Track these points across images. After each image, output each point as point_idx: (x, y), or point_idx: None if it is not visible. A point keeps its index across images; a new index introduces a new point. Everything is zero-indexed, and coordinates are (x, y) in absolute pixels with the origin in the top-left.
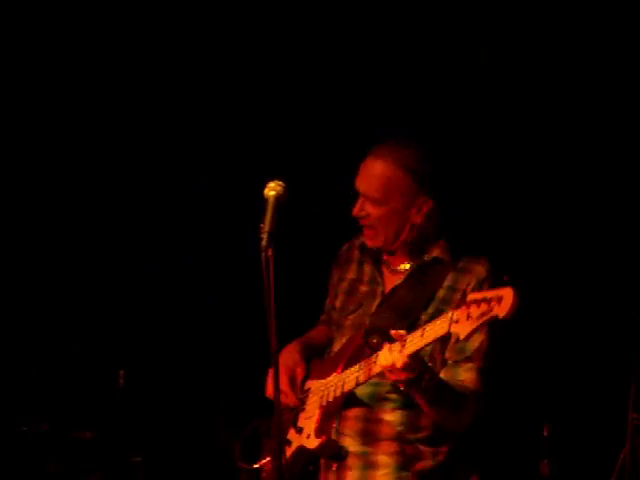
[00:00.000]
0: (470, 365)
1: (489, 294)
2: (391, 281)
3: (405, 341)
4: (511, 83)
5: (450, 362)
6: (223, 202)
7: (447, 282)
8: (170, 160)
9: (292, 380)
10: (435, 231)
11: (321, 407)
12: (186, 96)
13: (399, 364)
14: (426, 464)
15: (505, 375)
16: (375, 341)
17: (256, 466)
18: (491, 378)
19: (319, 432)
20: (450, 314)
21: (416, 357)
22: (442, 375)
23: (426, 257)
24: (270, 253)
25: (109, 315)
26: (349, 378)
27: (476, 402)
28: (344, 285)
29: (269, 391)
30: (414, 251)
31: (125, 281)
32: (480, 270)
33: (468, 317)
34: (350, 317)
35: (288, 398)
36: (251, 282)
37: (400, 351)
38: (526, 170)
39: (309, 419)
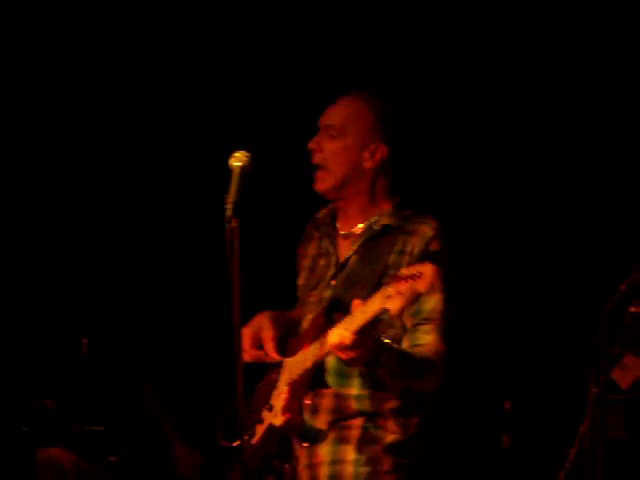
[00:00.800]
0: (429, 327)
1: (414, 270)
2: (344, 247)
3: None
4: (478, 49)
5: (409, 327)
6: (187, 173)
7: (397, 246)
8: (136, 130)
9: (256, 340)
10: (386, 190)
11: (288, 384)
12: (151, 66)
13: (347, 341)
14: (397, 438)
15: (466, 350)
16: (335, 317)
17: (235, 444)
18: (453, 335)
19: (285, 409)
20: (384, 290)
21: (363, 333)
22: (404, 343)
23: (375, 226)
24: (235, 224)
25: (73, 283)
26: (308, 356)
27: (441, 362)
28: (306, 262)
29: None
30: (364, 210)
31: (88, 249)
32: (426, 230)
33: (398, 293)
34: (313, 293)
35: (248, 355)
36: (216, 253)
37: (347, 328)
38: (481, 132)
39: (279, 396)
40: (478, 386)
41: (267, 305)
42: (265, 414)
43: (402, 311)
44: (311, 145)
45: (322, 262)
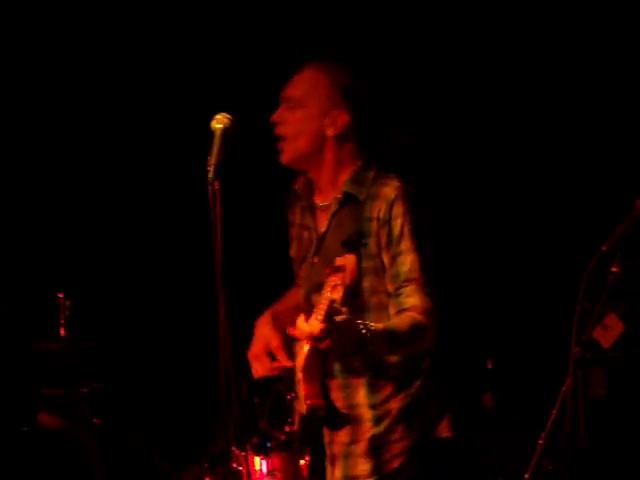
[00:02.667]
0: (410, 288)
1: (342, 260)
2: (321, 220)
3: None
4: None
5: (392, 292)
6: (168, 135)
7: (365, 213)
8: (119, 92)
9: (269, 354)
10: (350, 157)
11: (301, 371)
12: (131, 29)
13: (316, 331)
14: (402, 402)
15: (448, 309)
16: (315, 302)
17: (287, 430)
18: (437, 287)
19: (306, 396)
20: (330, 279)
21: (332, 321)
22: (391, 309)
23: (338, 194)
24: (217, 186)
25: (55, 243)
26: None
27: (431, 319)
28: (294, 230)
29: (257, 372)
30: (334, 180)
31: (71, 211)
32: (388, 192)
33: (337, 284)
34: (303, 266)
35: (264, 367)
36: (199, 215)
37: (316, 318)
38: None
39: (298, 384)
40: (460, 345)
41: (250, 269)
42: (296, 403)
43: (343, 300)
44: (273, 118)
45: (306, 234)
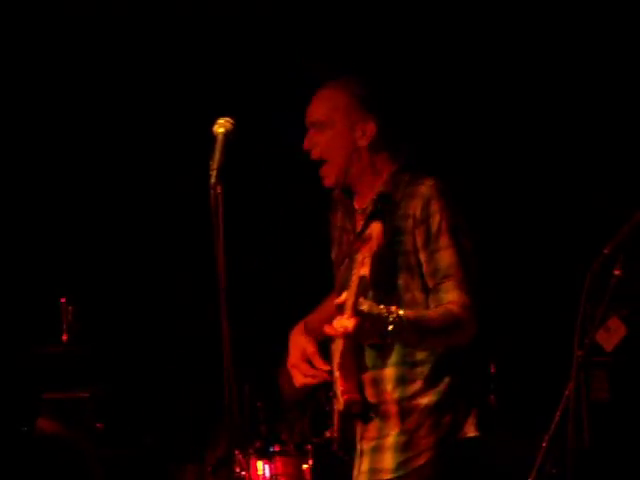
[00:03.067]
0: (448, 284)
1: (369, 230)
2: (360, 222)
3: None
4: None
5: (432, 287)
6: (172, 141)
7: (400, 211)
8: (120, 95)
9: (305, 357)
10: (385, 160)
11: (338, 369)
12: (132, 33)
13: (350, 326)
14: (431, 400)
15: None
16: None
17: (328, 435)
18: (478, 284)
19: (343, 392)
20: (357, 257)
21: (360, 312)
22: (431, 303)
23: (374, 196)
24: (219, 190)
25: (59, 248)
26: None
27: (469, 314)
28: (336, 233)
29: (298, 381)
30: (372, 185)
31: (74, 214)
32: (424, 190)
33: (364, 258)
34: (340, 269)
35: (304, 375)
36: (201, 219)
37: (347, 313)
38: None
39: (335, 382)
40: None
41: (252, 272)
42: (334, 403)
43: (372, 272)
44: (305, 146)
45: (345, 238)
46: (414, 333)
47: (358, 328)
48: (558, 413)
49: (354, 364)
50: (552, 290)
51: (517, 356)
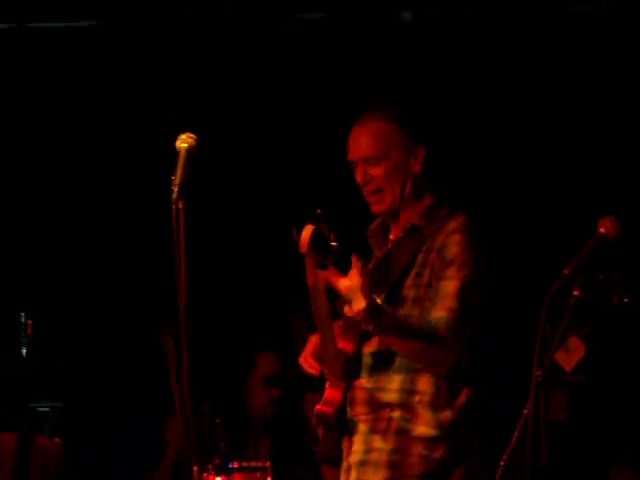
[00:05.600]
0: (440, 306)
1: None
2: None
3: None
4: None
5: (425, 308)
6: (133, 154)
7: (426, 245)
8: (84, 109)
9: (316, 354)
10: (427, 189)
11: (327, 378)
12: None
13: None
14: (428, 430)
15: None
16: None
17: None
18: (473, 325)
19: (324, 400)
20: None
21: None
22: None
23: (406, 224)
24: (181, 205)
25: (18, 263)
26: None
27: (453, 337)
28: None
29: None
30: (409, 216)
31: (34, 229)
32: (451, 225)
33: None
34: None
35: (312, 367)
36: (162, 234)
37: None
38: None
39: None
40: None
41: (215, 283)
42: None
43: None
44: (361, 180)
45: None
46: (393, 322)
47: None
48: (516, 433)
49: (344, 373)
50: (511, 309)
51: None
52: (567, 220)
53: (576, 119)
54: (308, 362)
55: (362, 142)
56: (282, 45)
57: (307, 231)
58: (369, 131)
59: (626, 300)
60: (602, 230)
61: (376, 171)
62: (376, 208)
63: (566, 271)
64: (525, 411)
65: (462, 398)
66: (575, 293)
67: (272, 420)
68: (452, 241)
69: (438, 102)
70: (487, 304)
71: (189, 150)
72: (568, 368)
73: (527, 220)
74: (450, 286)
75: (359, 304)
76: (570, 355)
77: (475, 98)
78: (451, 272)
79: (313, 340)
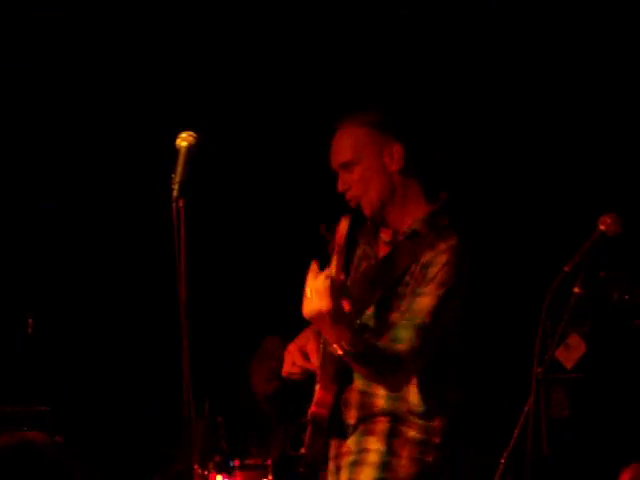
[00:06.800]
0: (409, 322)
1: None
2: (383, 252)
3: None
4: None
5: (396, 322)
6: (134, 152)
7: (419, 256)
8: (84, 107)
9: (303, 353)
10: (418, 194)
11: (318, 381)
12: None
13: (322, 285)
14: (417, 435)
15: None
16: None
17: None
18: (437, 336)
19: (315, 403)
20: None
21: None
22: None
23: (407, 231)
24: (181, 204)
25: (18, 262)
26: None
27: (412, 359)
28: (355, 261)
29: (285, 369)
30: (401, 217)
31: (33, 229)
32: (442, 246)
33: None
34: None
35: (298, 369)
36: (163, 233)
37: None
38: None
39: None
40: None
41: (215, 284)
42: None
43: (337, 269)
44: (340, 189)
45: (364, 263)
46: (360, 342)
47: (331, 290)
48: (517, 430)
49: (336, 376)
50: (512, 306)
51: (476, 372)
52: (567, 217)
53: (577, 115)
54: (295, 356)
55: (335, 149)
56: (281, 43)
57: (344, 224)
58: (341, 137)
59: (626, 297)
60: (602, 227)
61: (351, 177)
62: (365, 212)
63: (566, 268)
64: (526, 408)
65: (452, 406)
66: (576, 290)
67: (275, 396)
68: (438, 261)
69: (425, 94)
70: (463, 328)
71: (189, 148)
72: (569, 365)
73: (527, 217)
74: (424, 302)
75: (322, 304)
76: (571, 352)
77: (476, 94)
78: (429, 289)
79: (307, 334)
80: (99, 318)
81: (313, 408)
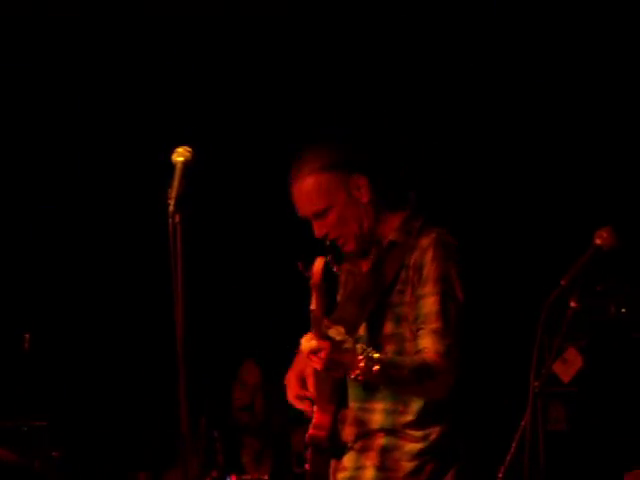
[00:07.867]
0: (425, 330)
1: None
2: (365, 267)
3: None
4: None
5: (414, 335)
6: (130, 168)
7: (405, 261)
8: (80, 121)
9: (302, 380)
10: (389, 208)
11: (315, 403)
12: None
13: (313, 345)
14: (415, 446)
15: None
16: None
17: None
18: (462, 334)
19: (314, 425)
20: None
21: (330, 339)
22: (413, 349)
23: (384, 242)
24: (177, 219)
25: (15, 279)
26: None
27: (445, 363)
28: (342, 277)
29: (288, 396)
30: (382, 234)
31: (30, 245)
32: (425, 242)
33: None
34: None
35: (293, 392)
36: (159, 248)
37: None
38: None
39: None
40: None
41: (210, 300)
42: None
43: (319, 306)
44: (319, 235)
45: (350, 279)
46: (381, 377)
47: (325, 350)
48: (514, 444)
49: (332, 396)
50: (509, 320)
51: (473, 386)
52: (564, 231)
53: (575, 129)
54: (292, 387)
55: (303, 201)
56: (279, 48)
57: (319, 264)
58: (304, 189)
59: (623, 311)
60: (598, 241)
61: (327, 221)
62: (347, 250)
63: (563, 282)
64: (523, 422)
65: (449, 413)
66: (572, 304)
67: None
68: (426, 259)
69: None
70: (468, 312)
71: (185, 163)
72: (566, 379)
73: (524, 231)
74: (429, 303)
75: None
76: (568, 366)
77: (470, 103)
78: (428, 289)
79: (300, 360)
80: (96, 333)
81: (311, 431)
